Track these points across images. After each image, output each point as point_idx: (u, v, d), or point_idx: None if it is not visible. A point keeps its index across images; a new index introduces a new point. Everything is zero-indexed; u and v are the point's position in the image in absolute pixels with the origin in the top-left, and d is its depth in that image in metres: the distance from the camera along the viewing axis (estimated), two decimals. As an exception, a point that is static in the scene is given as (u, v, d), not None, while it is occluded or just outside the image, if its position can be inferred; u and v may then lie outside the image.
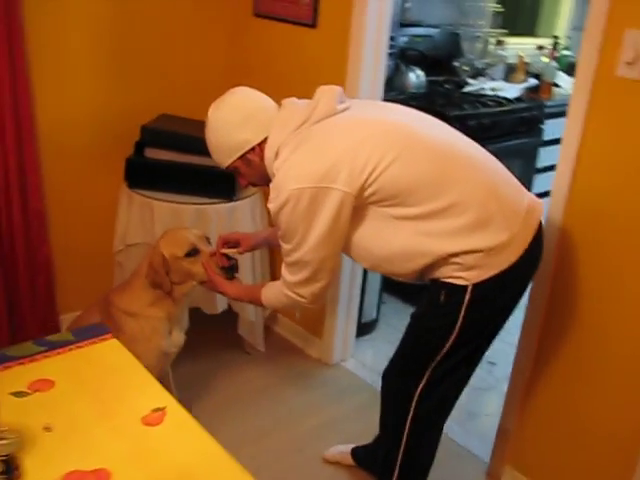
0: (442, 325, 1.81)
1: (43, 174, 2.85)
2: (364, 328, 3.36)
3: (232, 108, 1.87)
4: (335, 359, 3.17)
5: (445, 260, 1.73)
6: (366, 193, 1.71)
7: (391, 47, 3.05)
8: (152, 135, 2.74)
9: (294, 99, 1.91)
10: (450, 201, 1.70)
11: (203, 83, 3.14)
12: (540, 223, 1.81)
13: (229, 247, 2.23)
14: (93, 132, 2.94)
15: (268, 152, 1.83)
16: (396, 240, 1.75)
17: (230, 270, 2.18)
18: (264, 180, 1.89)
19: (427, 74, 3.75)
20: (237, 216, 2.77)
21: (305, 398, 2.91)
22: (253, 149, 1.86)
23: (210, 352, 3.16)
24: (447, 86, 3.89)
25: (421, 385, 1.89)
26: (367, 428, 2.43)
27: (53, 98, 2.79)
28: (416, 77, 3.62)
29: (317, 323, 3.16)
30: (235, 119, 1.85)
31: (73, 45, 2.78)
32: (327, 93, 1.84)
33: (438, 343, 1.82)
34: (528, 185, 3.86)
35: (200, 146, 2.01)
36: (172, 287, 2.22)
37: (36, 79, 2.71)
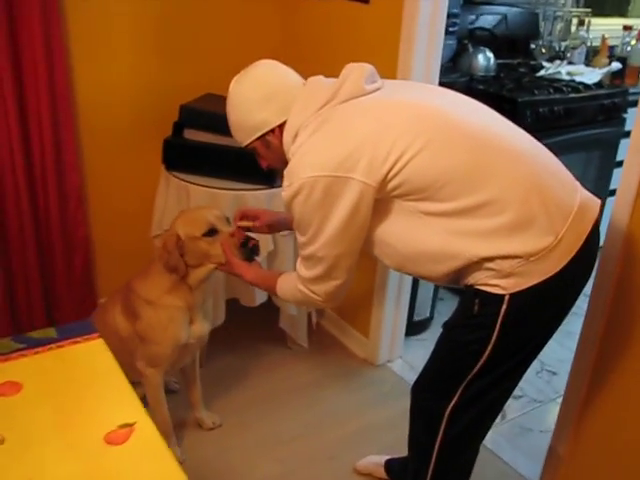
0: (475, 339, 1.58)
1: (83, 154, 2.78)
2: (416, 327, 3.14)
3: (254, 84, 1.70)
4: (381, 359, 2.97)
5: (478, 265, 1.51)
6: (389, 185, 1.51)
7: (453, 25, 2.80)
8: (191, 115, 2.60)
9: (320, 77, 1.72)
10: (486, 197, 1.48)
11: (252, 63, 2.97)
12: (595, 225, 1.55)
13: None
14: (135, 111, 2.82)
15: (286, 135, 1.66)
16: (423, 238, 1.55)
17: (250, 251, 2.01)
18: (284, 164, 1.71)
19: (498, 56, 3.46)
20: (276, 203, 2.59)
21: (344, 400, 2.72)
22: (273, 131, 1.70)
23: (249, 345, 3.02)
24: (521, 70, 3.59)
25: (451, 405, 1.67)
26: (406, 438, 2.22)
27: (93, 76, 2.69)
28: (485, 59, 3.34)
29: (364, 320, 2.96)
30: (255, 96, 1.68)
31: (116, 21, 2.66)
32: (355, 71, 1.64)
33: (470, 359, 1.60)
34: (606, 180, 3.53)
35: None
36: (188, 271, 2.08)
37: (76, 57, 2.62)
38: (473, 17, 3.47)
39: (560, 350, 2.70)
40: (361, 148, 1.49)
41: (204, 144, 2.60)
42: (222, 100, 2.82)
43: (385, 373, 2.93)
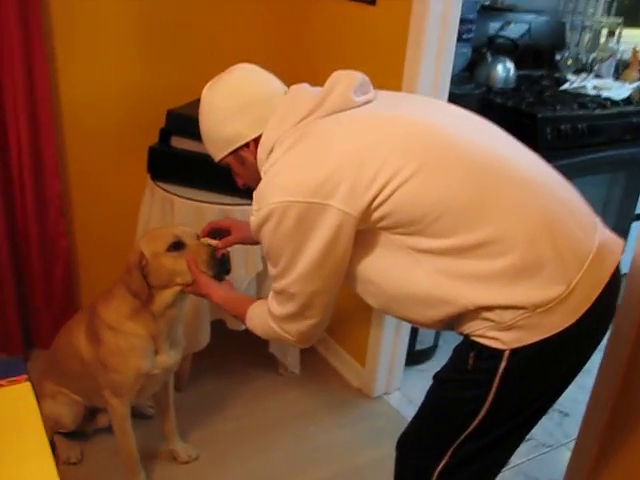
0: (469, 397, 1.36)
1: (66, 159, 2.62)
2: (418, 356, 2.91)
3: (227, 91, 1.49)
4: (377, 391, 2.75)
5: (475, 313, 1.29)
6: (374, 216, 1.30)
7: (468, 31, 2.58)
8: (178, 121, 2.40)
9: (304, 85, 1.51)
10: (487, 235, 1.26)
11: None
12: (615, 271, 1.32)
13: (219, 237, 1.87)
14: (122, 115, 2.64)
15: (261, 150, 1.45)
16: (412, 278, 1.33)
17: (220, 264, 1.79)
18: (259, 181, 1.50)
19: (519, 67, 3.22)
20: None
21: (334, 436, 2.51)
22: (247, 145, 1.49)
23: (236, 370, 2.81)
24: (543, 82, 3.35)
25: (441, 465, 1.45)
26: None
27: (79, 77, 2.52)
28: (504, 70, 3.11)
29: (360, 345, 2.74)
30: (228, 105, 1.48)
31: (103, 20, 2.48)
32: (343, 80, 1.43)
33: (463, 419, 1.38)
34: (632, 203, 3.27)
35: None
36: (152, 295, 1.88)
37: (61, 57, 2.46)
38: (494, 24, 3.24)
39: (574, 389, 2.46)
40: (342, 170, 1.28)
41: (191, 153, 2.39)
42: None
43: (381, 406, 2.71)
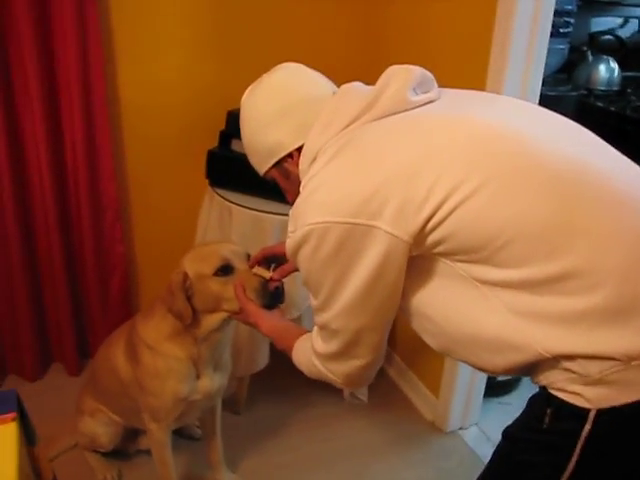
0: (543, 463, 1.09)
1: (124, 161, 2.50)
2: (498, 388, 2.62)
3: (267, 94, 1.30)
4: (451, 425, 2.47)
5: (553, 362, 1.03)
6: (430, 240, 1.05)
7: (566, 25, 2.29)
8: (239, 123, 2.21)
9: (356, 84, 1.29)
10: (571, 265, 0.99)
11: (328, 65, 2.56)
12: None
13: (274, 265, 1.65)
14: (184, 116, 2.49)
15: (303, 161, 1.24)
16: (477, 316, 1.08)
17: (271, 297, 1.58)
18: None
19: (625, 68, 2.88)
20: None
21: (397, 475, 2.25)
22: (290, 156, 1.29)
23: (297, 394, 2.58)
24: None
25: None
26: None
27: (139, 76, 2.39)
28: (607, 70, 2.78)
29: (434, 374, 2.48)
30: (269, 111, 1.28)
31: (166, 15, 2.34)
32: (399, 76, 1.20)
33: None
34: None
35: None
36: (197, 318, 1.70)
37: (120, 55, 2.34)
38: (595, 19, 2.91)
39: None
40: (390, 184, 1.05)
41: None
42: None
43: (454, 443, 2.43)
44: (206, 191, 2.38)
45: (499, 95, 1.59)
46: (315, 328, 1.28)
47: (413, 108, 1.17)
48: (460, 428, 2.48)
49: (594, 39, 2.86)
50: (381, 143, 1.11)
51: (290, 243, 1.15)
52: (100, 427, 2.04)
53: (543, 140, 1.10)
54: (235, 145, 2.27)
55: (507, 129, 1.10)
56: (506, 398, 2.65)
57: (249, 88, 1.35)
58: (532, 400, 1.15)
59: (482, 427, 2.50)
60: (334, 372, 1.27)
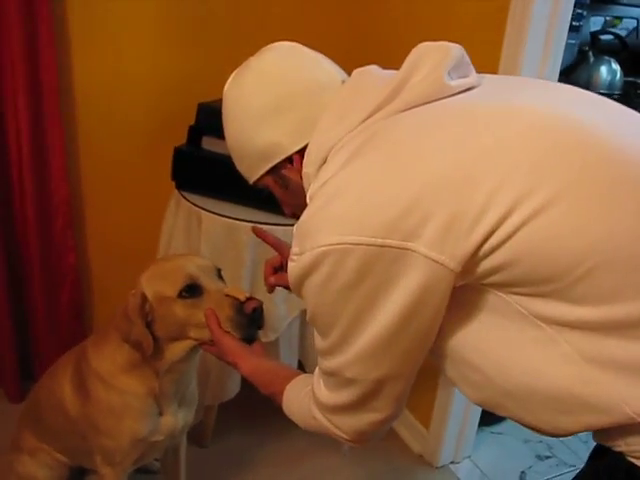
0: None
1: (77, 159, 2.20)
2: (490, 415, 2.36)
3: (259, 83, 1.05)
4: (443, 459, 2.22)
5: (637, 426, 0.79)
6: (483, 266, 0.80)
7: (578, 18, 2.07)
8: (212, 117, 1.91)
9: (372, 67, 1.05)
10: None
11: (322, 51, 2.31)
12: None
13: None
14: (147, 109, 2.21)
15: (306, 163, 1.00)
16: (541, 365, 0.83)
17: (250, 322, 1.30)
18: None
19: (627, 72, 2.68)
20: None
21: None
22: (289, 160, 1.06)
23: (271, 424, 2.29)
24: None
25: None
26: None
27: (96, 63, 2.10)
28: (609, 72, 2.57)
29: (425, 404, 2.23)
30: (260, 104, 1.04)
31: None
32: (432, 56, 0.95)
33: None
34: None
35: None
36: (159, 347, 1.42)
37: (75, 42, 2.05)
38: (596, 19, 2.70)
39: None
40: (434, 194, 0.79)
41: (227, 158, 1.91)
42: None
43: (446, 478, 2.18)
44: (172, 195, 2.10)
45: (552, 82, 1.32)
46: (318, 372, 1.02)
47: (451, 95, 0.92)
48: (452, 462, 2.25)
49: (595, 40, 2.65)
50: (417, 139, 0.86)
51: (295, 269, 0.88)
52: (41, 469, 1.74)
53: (623, 136, 0.86)
54: (206, 142, 1.99)
55: (580, 122, 0.86)
56: (499, 427, 2.42)
57: (233, 75, 1.10)
58: (595, 461, 0.91)
59: (475, 460, 2.26)
60: (341, 427, 1.01)
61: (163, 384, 1.48)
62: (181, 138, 2.02)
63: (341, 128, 0.95)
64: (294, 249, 0.89)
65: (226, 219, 1.89)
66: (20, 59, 1.90)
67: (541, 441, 2.36)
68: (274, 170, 1.07)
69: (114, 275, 2.34)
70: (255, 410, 2.29)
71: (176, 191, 2.04)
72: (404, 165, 0.83)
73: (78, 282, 2.28)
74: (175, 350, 1.42)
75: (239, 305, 1.31)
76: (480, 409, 2.20)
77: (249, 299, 1.32)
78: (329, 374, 0.96)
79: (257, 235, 1.40)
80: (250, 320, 1.30)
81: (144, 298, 1.37)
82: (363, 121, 0.93)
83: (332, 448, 2.23)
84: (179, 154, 1.99)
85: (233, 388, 2.08)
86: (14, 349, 2.24)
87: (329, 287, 0.85)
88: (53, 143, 2.04)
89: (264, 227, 1.87)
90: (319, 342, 0.95)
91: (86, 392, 1.53)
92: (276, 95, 1.02)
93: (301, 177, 1.03)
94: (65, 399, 1.59)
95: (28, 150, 2.00)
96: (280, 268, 1.36)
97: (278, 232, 1.86)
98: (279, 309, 1.94)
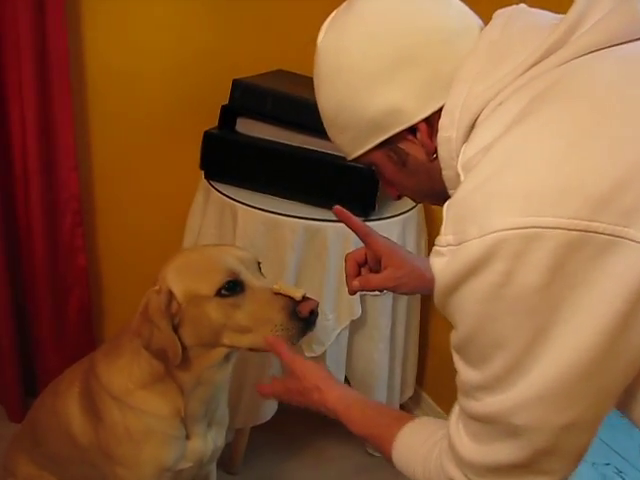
0: None
1: (90, 148, 2.01)
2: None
3: (371, 31, 0.83)
4: None
5: None
6: None
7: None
8: (247, 96, 1.72)
9: (522, 7, 0.84)
10: None
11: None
12: None
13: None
14: (173, 87, 2.03)
15: (446, 125, 0.79)
16: None
17: (304, 327, 1.16)
18: (433, 193, 0.90)
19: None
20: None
21: None
22: (411, 130, 0.84)
23: (309, 449, 2.13)
24: None
25: None
26: None
27: (114, 33, 1.92)
28: None
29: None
30: (374, 56, 0.82)
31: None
32: None
33: None
34: None
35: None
36: (187, 357, 1.23)
37: (89, 12, 1.86)
38: None
39: None
40: None
41: (264, 142, 1.74)
42: (297, 79, 1.96)
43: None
44: (199, 186, 1.91)
45: None
46: (457, 415, 0.78)
47: None
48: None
49: None
50: (622, 90, 0.66)
51: (447, 269, 0.68)
52: None
53: None
54: (241, 125, 1.79)
55: None
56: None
57: (331, 20, 0.89)
58: None
59: None
60: None
61: (190, 402, 1.31)
62: (211, 120, 1.83)
63: (496, 79, 0.74)
64: (445, 238, 0.68)
65: (266, 214, 1.69)
66: (25, 27, 1.69)
67: (608, 464, 2.17)
68: (388, 143, 0.86)
69: (129, 280, 2.17)
70: (289, 434, 2.15)
71: (205, 182, 1.86)
72: (606, 126, 0.64)
73: (88, 287, 2.10)
74: (206, 360, 1.24)
75: (293, 306, 1.16)
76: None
77: (305, 299, 1.17)
78: (482, 420, 0.72)
79: (339, 217, 1.18)
80: (306, 325, 1.17)
81: (170, 296, 1.18)
82: (527, 70, 0.73)
83: (379, 471, 2.02)
84: (210, 139, 1.78)
85: (269, 410, 1.88)
86: (16, 362, 2.07)
87: (502, 293, 0.64)
88: (61, 128, 1.86)
89: (313, 224, 1.67)
90: (467, 373, 0.73)
91: (97, 414, 1.34)
92: (396, 46, 0.81)
93: (426, 152, 0.84)
94: (72, 422, 1.39)
95: (33, 136, 1.80)
96: (365, 265, 1.16)
97: (329, 231, 1.67)
98: (327, 318, 1.73)
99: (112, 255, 2.17)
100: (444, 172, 0.82)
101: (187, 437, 1.37)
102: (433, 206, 2.04)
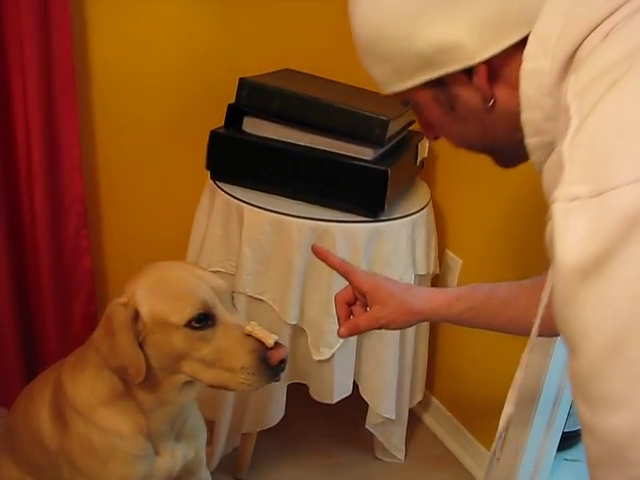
0: None
1: (94, 147, 1.95)
2: (563, 439, 2.08)
3: None
4: (515, 489, 1.95)
5: None
6: None
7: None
8: (254, 95, 1.67)
9: None
10: None
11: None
12: None
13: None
14: (178, 86, 1.96)
15: (535, 54, 0.68)
16: None
17: (272, 375, 1.13)
18: (480, 142, 0.82)
19: None
20: (381, 249, 1.65)
21: None
22: (469, 71, 0.74)
23: (317, 453, 2.06)
24: None
25: None
26: None
27: (118, 31, 1.85)
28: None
29: (494, 427, 1.94)
30: None
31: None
32: None
33: None
34: None
35: (334, 120, 1.40)
36: (155, 378, 1.17)
37: (92, 11, 1.81)
38: None
39: None
40: None
41: (271, 142, 1.69)
42: (304, 78, 1.92)
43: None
44: (205, 187, 1.86)
45: None
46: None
47: None
48: (525, 492, 1.96)
49: None
50: None
51: (593, 228, 0.52)
52: None
53: None
54: (248, 124, 1.73)
55: None
56: (572, 452, 2.15)
57: None
58: None
59: (552, 490, 1.99)
60: None
61: (153, 420, 1.25)
62: (218, 120, 1.78)
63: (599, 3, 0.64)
64: (570, 190, 0.54)
65: (273, 214, 1.63)
66: (29, 27, 1.64)
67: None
68: (437, 82, 0.77)
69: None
70: (297, 438, 2.10)
71: (211, 182, 1.80)
72: None
73: (93, 289, 2.04)
74: (167, 383, 1.18)
75: (263, 351, 1.11)
76: (560, 432, 1.93)
77: (277, 345, 1.12)
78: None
79: (317, 256, 1.14)
80: (274, 373, 1.12)
81: (136, 313, 1.12)
82: None
83: (389, 476, 1.99)
84: (216, 138, 1.72)
85: (276, 414, 1.83)
86: (20, 372, 2.01)
87: None
88: (65, 128, 1.79)
89: (320, 225, 1.63)
90: (609, 420, 0.55)
91: (65, 423, 1.29)
92: None
93: (482, 98, 0.75)
94: (41, 427, 1.35)
95: (37, 137, 1.74)
96: (355, 303, 1.11)
97: (337, 232, 1.62)
98: (334, 321, 1.67)
99: (117, 256, 2.12)
100: (525, 114, 0.70)
101: (156, 453, 1.31)
102: (443, 205, 2.03)
